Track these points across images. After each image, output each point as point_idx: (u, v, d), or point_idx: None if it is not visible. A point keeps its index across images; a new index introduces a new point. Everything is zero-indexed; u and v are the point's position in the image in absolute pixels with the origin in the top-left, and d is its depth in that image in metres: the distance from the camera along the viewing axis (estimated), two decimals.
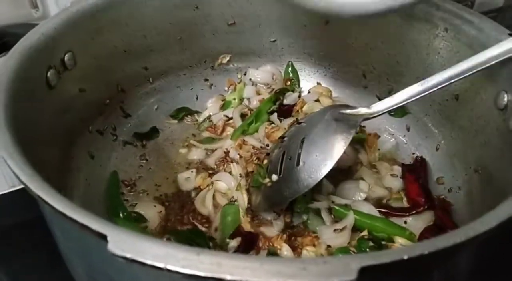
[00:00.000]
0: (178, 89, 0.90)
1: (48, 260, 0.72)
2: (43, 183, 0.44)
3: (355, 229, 0.69)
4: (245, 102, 0.91)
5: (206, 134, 0.87)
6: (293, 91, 0.92)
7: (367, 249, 0.66)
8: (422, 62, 0.78)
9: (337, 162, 0.64)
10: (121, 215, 0.70)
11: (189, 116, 0.91)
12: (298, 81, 0.94)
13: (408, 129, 0.84)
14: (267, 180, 0.69)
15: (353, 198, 0.74)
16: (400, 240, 0.67)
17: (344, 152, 0.64)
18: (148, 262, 0.35)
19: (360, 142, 0.83)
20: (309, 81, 0.94)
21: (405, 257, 0.35)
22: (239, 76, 0.94)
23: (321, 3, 0.52)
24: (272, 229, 0.69)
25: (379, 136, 0.84)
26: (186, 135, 0.87)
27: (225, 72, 0.93)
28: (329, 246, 0.67)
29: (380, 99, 0.87)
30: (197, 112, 0.91)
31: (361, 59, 0.87)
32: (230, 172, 0.76)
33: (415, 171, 0.78)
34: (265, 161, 0.74)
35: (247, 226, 0.68)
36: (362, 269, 0.34)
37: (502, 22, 0.68)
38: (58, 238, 0.56)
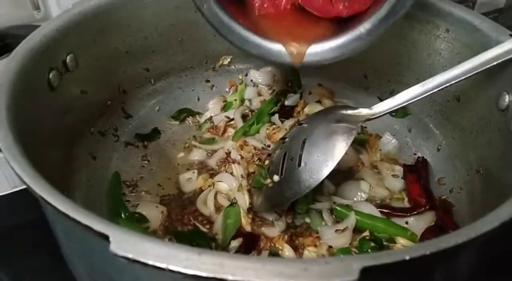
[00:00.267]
0: (180, 90, 0.90)
1: (49, 261, 0.72)
2: (46, 184, 0.44)
3: (357, 229, 0.69)
4: (246, 103, 0.91)
5: (207, 135, 0.87)
6: (294, 92, 0.92)
7: (369, 250, 0.66)
8: (423, 63, 0.78)
9: (338, 163, 0.64)
10: (123, 215, 0.70)
11: (190, 117, 0.91)
12: (299, 82, 0.94)
13: (409, 130, 0.84)
14: (269, 180, 0.70)
15: (355, 199, 0.74)
16: (401, 241, 0.68)
17: (346, 153, 0.64)
18: (150, 262, 0.35)
19: (361, 143, 0.83)
20: (310, 82, 0.94)
21: (407, 258, 0.35)
22: (240, 77, 0.94)
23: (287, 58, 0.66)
24: (274, 230, 0.69)
25: (380, 137, 0.84)
26: (188, 136, 0.87)
27: (226, 73, 0.94)
28: (330, 246, 0.67)
29: (381, 100, 0.87)
30: (199, 113, 0.91)
31: (362, 60, 0.87)
32: (231, 173, 0.76)
33: (416, 172, 0.78)
34: (266, 162, 0.74)
35: (248, 227, 0.69)
36: (363, 270, 0.34)
37: (503, 23, 0.68)
38: (60, 239, 0.56)
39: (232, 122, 0.88)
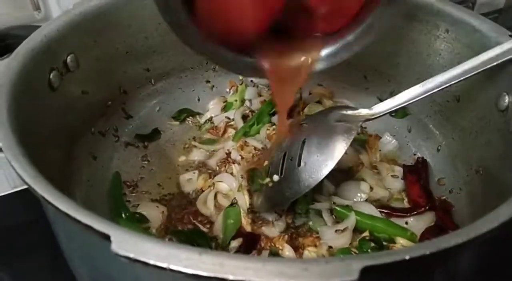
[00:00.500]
0: (180, 91, 0.91)
1: (49, 261, 0.72)
2: (47, 184, 0.44)
3: (356, 229, 0.69)
4: (247, 103, 0.91)
5: (207, 136, 0.87)
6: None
7: (369, 250, 0.66)
8: (423, 63, 0.78)
9: (338, 163, 0.64)
10: (123, 215, 0.70)
11: (190, 117, 0.91)
12: None
13: (409, 130, 0.84)
14: (268, 179, 0.70)
15: (354, 199, 0.74)
16: (401, 241, 0.68)
17: (345, 153, 0.64)
18: (151, 262, 0.36)
19: (361, 143, 0.83)
20: (310, 82, 0.94)
21: (407, 258, 0.36)
22: (240, 78, 0.94)
23: None
24: (274, 230, 0.69)
25: (380, 137, 0.84)
26: (188, 136, 0.87)
27: (226, 74, 0.93)
28: (330, 247, 0.67)
29: (381, 100, 0.87)
30: (199, 114, 0.91)
31: (362, 60, 0.87)
32: (231, 173, 0.76)
33: (416, 172, 0.78)
34: (266, 162, 0.74)
35: (248, 227, 0.69)
36: (363, 270, 0.34)
37: (503, 24, 0.68)
38: (61, 239, 0.56)
39: (232, 123, 0.88)
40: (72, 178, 0.68)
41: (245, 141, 0.81)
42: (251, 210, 0.71)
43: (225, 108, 0.91)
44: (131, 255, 0.36)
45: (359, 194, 0.75)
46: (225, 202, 0.73)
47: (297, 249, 0.67)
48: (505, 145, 0.63)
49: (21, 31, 0.81)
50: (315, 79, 0.94)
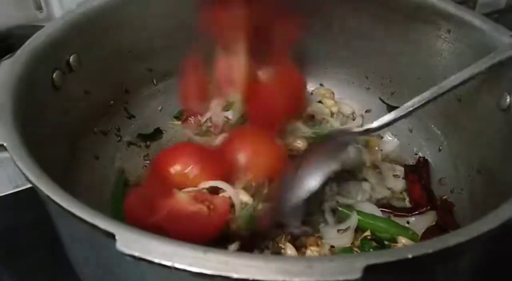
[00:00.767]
0: None
1: (51, 261, 0.72)
2: (52, 183, 0.44)
3: (358, 229, 0.69)
4: None
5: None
6: None
7: (370, 249, 0.67)
8: (425, 63, 0.79)
9: (341, 164, 0.64)
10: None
11: (192, 117, 0.91)
12: None
13: (410, 130, 0.84)
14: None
15: (357, 199, 0.74)
16: (403, 240, 0.68)
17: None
18: (156, 260, 0.36)
19: (363, 143, 0.83)
20: (311, 82, 0.94)
21: (410, 256, 0.36)
22: None
23: None
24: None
25: (381, 137, 0.84)
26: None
27: None
28: (332, 246, 0.67)
29: (382, 101, 0.88)
30: (201, 113, 0.91)
31: (363, 60, 0.88)
32: None
33: (418, 172, 0.78)
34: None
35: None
36: (366, 268, 0.35)
37: (504, 23, 0.69)
38: (65, 238, 0.56)
39: (232, 122, 0.88)
40: (74, 177, 0.69)
41: None
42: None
43: (226, 108, 0.91)
44: (136, 254, 0.36)
45: (361, 194, 0.75)
46: None
47: (299, 248, 0.67)
48: (507, 145, 0.63)
49: (24, 30, 0.81)
50: (316, 79, 0.94)
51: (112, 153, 0.80)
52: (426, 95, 0.65)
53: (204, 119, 0.90)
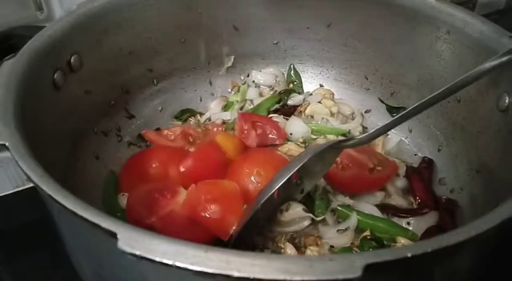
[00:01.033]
0: (182, 91, 0.91)
1: (51, 260, 0.73)
2: (54, 183, 0.45)
3: (358, 229, 0.70)
4: (248, 103, 0.92)
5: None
6: (299, 93, 0.93)
7: (370, 249, 0.67)
8: (424, 64, 0.79)
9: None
10: (118, 214, 0.70)
11: (192, 117, 0.91)
12: (301, 83, 0.95)
13: (410, 131, 0.85)
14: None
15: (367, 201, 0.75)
16: (402, 241, 0.68)
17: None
18: (157, 259, 0.36)
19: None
20: (311, 83, 0.95)
21: (409, 255, 0.36)
22: (242, 78, 0.95)
23: None
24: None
25: (387, 135, 0.85)
26: None
27: (228, 74, 0.94)
28: (332, 246, 0.67)
29: (381, 101, 0.88)
30: (201, 113, 0.91)
31: (363, 61, 0.88)
32: None
33: (419, 172, 0.78)
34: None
35: None
36: (366, 267, 0.35)
37: (504, 24, 0.69)
38: (66, 238, 0.56)
39: (230, 122, 0.88)
40: (75, 177, 0.69)
41: None
42: None
43: (225, 108, 0.92)
44: (138, 253, 0.36)
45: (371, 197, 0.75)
46: None
47: (299, 248, 0.68)
48: (506, 145, 0.63)
49: (25, 31, 0.81)
50: (316, 79, 0.94)
51: (113, 153, 0.80)
52: (426, 101, 0.64)
53: (204, 119, 0.90)
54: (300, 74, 0.95)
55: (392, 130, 0.79)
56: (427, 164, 0.79)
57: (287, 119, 0.87)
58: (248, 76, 0.95)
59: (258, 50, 0.93)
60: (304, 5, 0.87)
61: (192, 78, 0.91)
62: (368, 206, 0.73)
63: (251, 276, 0.34)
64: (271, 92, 0.93)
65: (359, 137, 0.67)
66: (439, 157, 0.79)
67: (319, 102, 0.90)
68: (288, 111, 0.89)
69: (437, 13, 0.74)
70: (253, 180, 0.71)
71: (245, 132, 0.82)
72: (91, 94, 0.74)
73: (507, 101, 0.63)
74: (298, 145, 0.83)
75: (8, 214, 0.80)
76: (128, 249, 0.37)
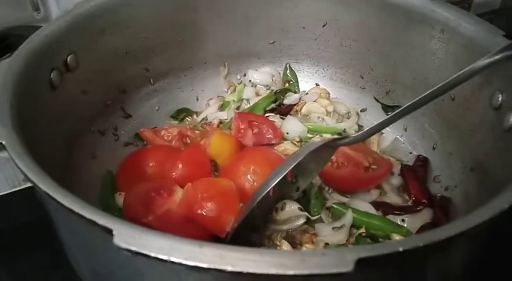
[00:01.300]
0: (179, 90, 0.91)
1: (49, 260, 0.73)
2: (51, 181, 0.45)
3: (353, 226, 0.70)
4: (245, 102, 0.93)
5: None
6: (295, 92, 0.93)
7: None
8: (419, 62, 0.79)
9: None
10: (115, 213, 0.70)
11: (189, 117, 0.92)
12: (297, 82, 0.95)
13: (405, 129, 0.85)
14: None
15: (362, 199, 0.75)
16: (397, 238, 0.68)
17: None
18: (153, 254, 0.36)
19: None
20: (308, 82, 0.95)
21: (401, 249, 0.37)
22: (238, 77, 0.96)
23: None
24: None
25: (382, 133, 0.85)
26: None
27: (225, 74, 0.95)
28: (327, 243, 0.68)
29: (377, 100, 0.89)
30: (197, 113, 0.92)
31: (359, 60, 0.89)
32: None
33: (414, 170, 0.79)
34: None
35: None
36: (358, 261, 0.35)
37: (499, 23, 0.69)
38: (63, 235, 0.56)
39: (226, 122, 0.89)
40: (72, 176, 0.69)
41: None
42: None
43: (222, 107, 0.92)
44: (133, 248, 0.37)
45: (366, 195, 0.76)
46: None
47: (295, 245, 0.68)
48: (499, 142, 0.64)
49: (22, 31, 0.82)
50: (312, 78, 0.95)
51: (109, 153, 0.80)
52: (420, 99, 0.64)
53: (200, 118, 0.91)
54: (296, 74, 0.95)
55: (387, 128, 0.81)
56: (422, 162, 0.80)
57: (283, 119, 0.87)
58: (244, 75, 0.95)
59: (254, 50, 0.93)
60: (300, 4, 0.87)
61: (189, 77, 0.92)
62: (363, 203, 0.73)
63: (245, 270, 0.35)
64: (268, 92, 0.93)
65: (353, 135, 0.67)
66: (434, 155, 0.80)
67: (315, 101, 0.90)
68: (284, 110, 0.90)
69: (431, 12, 0.75)
70: (249, 178, 0.71)
71: (242, 131, 0.83)
72: (87, 94, 0.74)
73: (500, 99, 0.64)
74: (295, 144, 0.83)
75: (5, 215, 0.80)
76: (124, 245, 0.37)
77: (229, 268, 0.35)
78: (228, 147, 0.79)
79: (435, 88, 0.62)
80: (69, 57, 0.69)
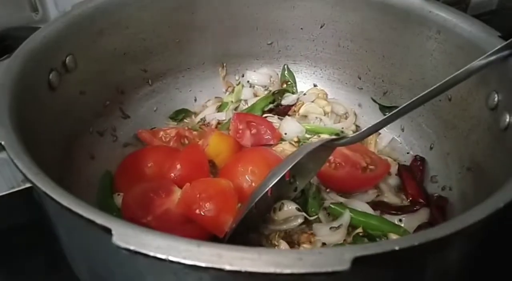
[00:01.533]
0: (177, 91, 0.92)
1: (46, 261, 0.72)
2: (49, 180, 0.45)
3: (350, 225, 0.70)
4: (243, 103, 0.93)
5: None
6: (293, 93, 0.94)
7: None
8: (416, 63, 0.80)
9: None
10: (114, 214, 0.70)
11: (187, 118, 0.92)
12: (295, 83, 0.96)
13: (402, 129, 0.85)
14: None
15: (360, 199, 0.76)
16: (394, 237, 0.69)
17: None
18: (151, 253, 0.37)
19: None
20: (305, 83, 0.96)
21: (397, 248, 0.37)
22: (236, 78, 0.96)
23: None
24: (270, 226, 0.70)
25: (379, 134, 0.86)
26: None
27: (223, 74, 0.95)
28: (324, 243, 0.68)
29: (374, 101, 0.89)
30: (196, 114, 0.92)
31: (356, 61, 0.89)
32: None
33: (411, 170, 0.79)
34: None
35: None
36: (355, 259, 0.36)
37: (496, 24, 0.70)
38: (62, 235, 0.57)
39: (224, 123, 0.89)
40: (70, 177, 0.69)
41: None
42: None
43: (220, 108, 0.92)
44: (132, 247, 0.37)
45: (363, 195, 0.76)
46: None
47: (293, 245, 0.68)
48: (495, 142, 0.64)
49: (20, 32, 0.82)
50: (309, 79, 0.95)
51: (108, 153, 0.80)
52: (417, 99, 0.64)
53: (198, 119, 0.91)
54: (294, 74, 0.96)
55: (385, 128, 0.81)
56: (419, 162, 0.80)
57: (281, 119, 0.88)
58: (242, 76, 0.96)
59: (252, 51, 0.94)
60: (297, 5, 0.88)
61: (187, 78, 0.92)
62: (361, 203, 0.73)
63: (243, 269, 0.35)
64: (266, 92, 0.94)
65: (351, 135, 0.68)
66: (431, 155, 0.80)
67: (313, 102, 0.90)
68: (282, 111, 0.90)
69: (427, 13, 0.75)
70: (247, 179, 0.72)
71: (240, 132, 0.83)
72: (86, 95, 0.75)
73: (496, 99, 0.64)
74: (293, 144, 0.84)
75: (3, 215, 0.80)
76: (123, 244, 0.37)
77: (227, 267, 0.35)
78: (226, 147, 0.80)
79: (432, 88, 0.62)
80: (67, 58, 0.69)
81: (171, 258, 0.36)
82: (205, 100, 0.94)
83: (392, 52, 0.83)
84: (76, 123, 0.73)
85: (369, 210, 0.73)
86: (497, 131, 0.64)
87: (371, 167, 0.76)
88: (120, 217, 0.68)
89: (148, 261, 0.37)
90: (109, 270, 0.49)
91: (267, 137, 0.84)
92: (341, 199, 0.74)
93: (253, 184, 0.71)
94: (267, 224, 0.70)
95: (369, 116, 0.90)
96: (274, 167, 0.67)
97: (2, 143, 0.49)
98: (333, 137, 0.78)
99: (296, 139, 0.85)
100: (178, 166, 0.71)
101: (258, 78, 0.95)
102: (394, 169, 0.80)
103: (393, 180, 0.79)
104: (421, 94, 0.63)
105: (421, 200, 0.74)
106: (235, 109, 0.92)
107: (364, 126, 0.86)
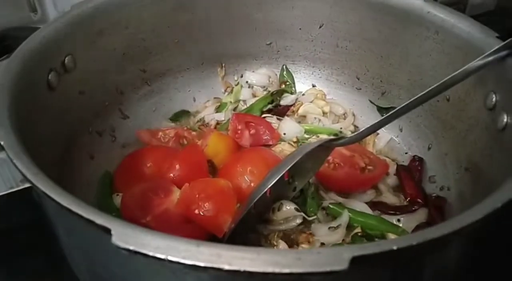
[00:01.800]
0: (176, 91, 0.92)
1: (46, 261, 0.72)
2: (49, 180, 0.45)
3: (349, 226, 0.71)
4: (241, 103, 0.93)
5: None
6: (291, 93, 0.94)
7: None
8: (414, 63, 0.80)
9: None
10: (113, 214, 0.70)
11: (187, 119, 0.92)
12: (294, 83, 0.96)
13: (400, 129, 0.86)
14: None
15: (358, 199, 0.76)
16: (392, 237, 0.69)
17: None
18: (151, 253, 0.37)
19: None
20: (304, 83, 0.96)
21: (395, 248, 0.37)
22: (235, 78, 0.96)
23: None
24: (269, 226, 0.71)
25: (377, 134, 0.86)
26: None
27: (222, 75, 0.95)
28: (323, 243, 0.68)
29: (372, 102, 0.89)
30: (195, 114, 0.92)
31: (354, 61, 0.89)
32: None
33: (409, 171, 0.80)
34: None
35: None
36: (353, 259, 0.36)
37: (494, 25, 0.70)
38: (61, 235, 0.57)
39: (223, 123, 0.89)
40: (69, 177, 0.69)
41: None
42: None
43: (219, 108, 0.92)
44: (131, 247, 0.37)
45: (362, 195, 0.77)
46: None
47: (291, 245, 0.68)
48: (493, 142, 0.64)
49: (20, 32, 0.82)
50: (308, 80, 0.95)
51: (107, 153, 0.80)
52: (415, 99, 0.65)
53: (197, 120, 0.91)
54: (293, 75, 0.96)
55: (383, 129, 0.80)
56: (417, 162, 0.80)
57: (280, 119, 0.88)
58: (241, 76, 0.96)
59: (251, 51, 0.94)
60: (296, 5, 0.88)
61: (186, 78, 0.92)
62: (359, 203, 0.74)
63: (242, 269, 0.35)
64: (264, 93, 0.94)
65: (349, 136, 0.68)
66: (429, 155, 0.80)
67: (311, 102, 0.91)
68: (281, 111, 0.90)
69: (426, 14, 0.75)
70: (246, 179, 0.72)
71: (239, 132, 0.83)
72: (85, 95, 0.75)
73: (494, 99, 0.64)
74: (291, 145, 0.84)
75: (2, 215, 0.80)
76: (122, 244, 0.38)
77: (226, 267, 0.35)
78: (225, 147, 0.80)
79: (430, 88, 0.63)
80: (66, 58, 0.70)
81: (170, 258, 0.36)
82: (204, 101, 0.94)
83: (391, 53, 0.83)
84: (76, 123, 0.74)
85: (367, 210, 0.73)
86: (495, 131, 0.64)
87: (369, 167, 0.76)
88: (119, 217, 0.68)
89: (148, 261, 0.37)
90: (109, 270, 0.49)
91: (266, 137, 0.84)
92: (340, 199, 0.75)
93: (252, 184, 0.71)
94: (266, 224, 0.71)
95: (368, 117, 0.90)
96: (273, 167, 0.67)
97: (2, 143, 0.50)
98: (332, 137, 0.78)
99: (295, 139, 0.85)
100: (177, 166, 0.71)
101: (257, 79, 0.95)
102: (392, 169, 0.80)
103: (392, 180, 0.79)
104: (419, 95, 0.63)
105: (419, 200, 0.75)
106: (234, 109, 0.92)
107: (363, 126, 0.86)
